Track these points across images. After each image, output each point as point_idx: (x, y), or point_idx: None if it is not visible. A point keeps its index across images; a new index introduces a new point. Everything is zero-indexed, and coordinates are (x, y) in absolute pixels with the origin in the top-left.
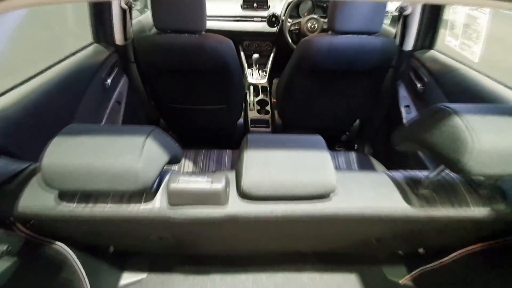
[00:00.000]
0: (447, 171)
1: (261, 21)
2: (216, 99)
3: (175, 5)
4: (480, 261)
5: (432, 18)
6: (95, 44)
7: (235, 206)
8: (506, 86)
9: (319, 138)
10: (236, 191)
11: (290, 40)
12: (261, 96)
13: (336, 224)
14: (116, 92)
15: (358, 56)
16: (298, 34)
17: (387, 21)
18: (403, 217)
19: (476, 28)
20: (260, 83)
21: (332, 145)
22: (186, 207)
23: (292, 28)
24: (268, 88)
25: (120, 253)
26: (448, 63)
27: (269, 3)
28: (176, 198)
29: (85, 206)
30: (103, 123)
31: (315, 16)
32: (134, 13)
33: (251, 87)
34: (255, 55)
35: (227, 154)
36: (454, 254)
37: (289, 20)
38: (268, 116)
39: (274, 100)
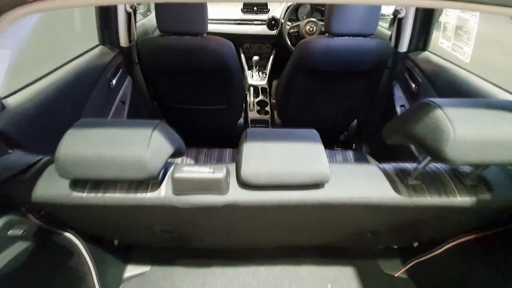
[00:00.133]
0: (435, 163)
1: (261, 24)
2: (217, 100)
3: (178, 8)
4: (470, 250)
5: (425, 20)
6: (101, 46)
7: (235, 194)
8: (493, 84)
9: (313, 132)
10: (236, 180)
11: (289, 43)
12: (261, 97)
13: (330, 212)
14: (121, 92)
15: (354, 57)
16: (297, 37)
17: (386, 24)
18: (393, 206)
19: (467, 30)
20: (260, 85)
21: (331, 145)
22: (189, 195)
23: (291, 31)
24: (268, 90)
25: (124, 247)
26: (441, 64)
27: (268, 7)
28: (180, 186)
29: (96, 194)
30: None
31: (313, 19)
32: (138, 16)
33: (251, 88)
34: (255, 57)
35: (228, 152)
36: (445, 245)
37: (288, 23)
38: (267, 117)
39: (274, 101)
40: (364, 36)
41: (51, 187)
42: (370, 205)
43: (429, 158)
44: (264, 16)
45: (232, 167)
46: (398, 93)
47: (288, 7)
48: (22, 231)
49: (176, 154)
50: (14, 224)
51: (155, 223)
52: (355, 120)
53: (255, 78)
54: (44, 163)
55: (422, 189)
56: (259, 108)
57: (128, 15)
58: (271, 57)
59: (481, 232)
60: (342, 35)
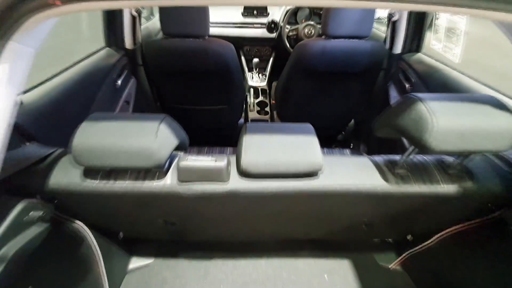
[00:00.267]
0: (422, 156)
1: (261, 27)
2: (218, 100)
3: (182, 12)
4: (461, 241)
5: (418, 23)
6: (107, 48)
7: (235, 183)
8: (482, 83)
9: (308, 126)
10: (236, 170)
11: (288, 45)
12: (261, 98)
13: (325, 202)
14: (125, 93)
15: (350, 59)
16: (296, 39)
17: (383, 27)
18: (383, 194)
19: (456, 32)
20: (260, 86)
21: (329, 144)
22: (193, 184)
23: (290, 34)
24: (268, 91)
25: (129, 239)
26: (433, 64)
27: (268, 11)
28: (185, 175)
29: (107, 182)
30: None
31: (311, 22)
32: (141, 20)
33: (251, 90)
34: (255, 59)
35: (228, 151)
36: (437, 236)
37: (288, 26)
38: (267, 117)
39: (273, 102)
40: (359, 38)
41: (64, 177)
42: (361, 193)
43: (413, 147)
44: (264, 20)
45: (233, 158)
46: (393, 93)
47: (288, 11)
48: (36, 217)
49: (181, 147)
50: (30, 211)
51: (160, 213)
52: (353, 120)
53: (255, 80)
54: (58, 155)
55: (409, 178)
56: (259, 108)
57: (133, 18)
58: (271, 59)
59: (470, 223)
60: (338, 37)
